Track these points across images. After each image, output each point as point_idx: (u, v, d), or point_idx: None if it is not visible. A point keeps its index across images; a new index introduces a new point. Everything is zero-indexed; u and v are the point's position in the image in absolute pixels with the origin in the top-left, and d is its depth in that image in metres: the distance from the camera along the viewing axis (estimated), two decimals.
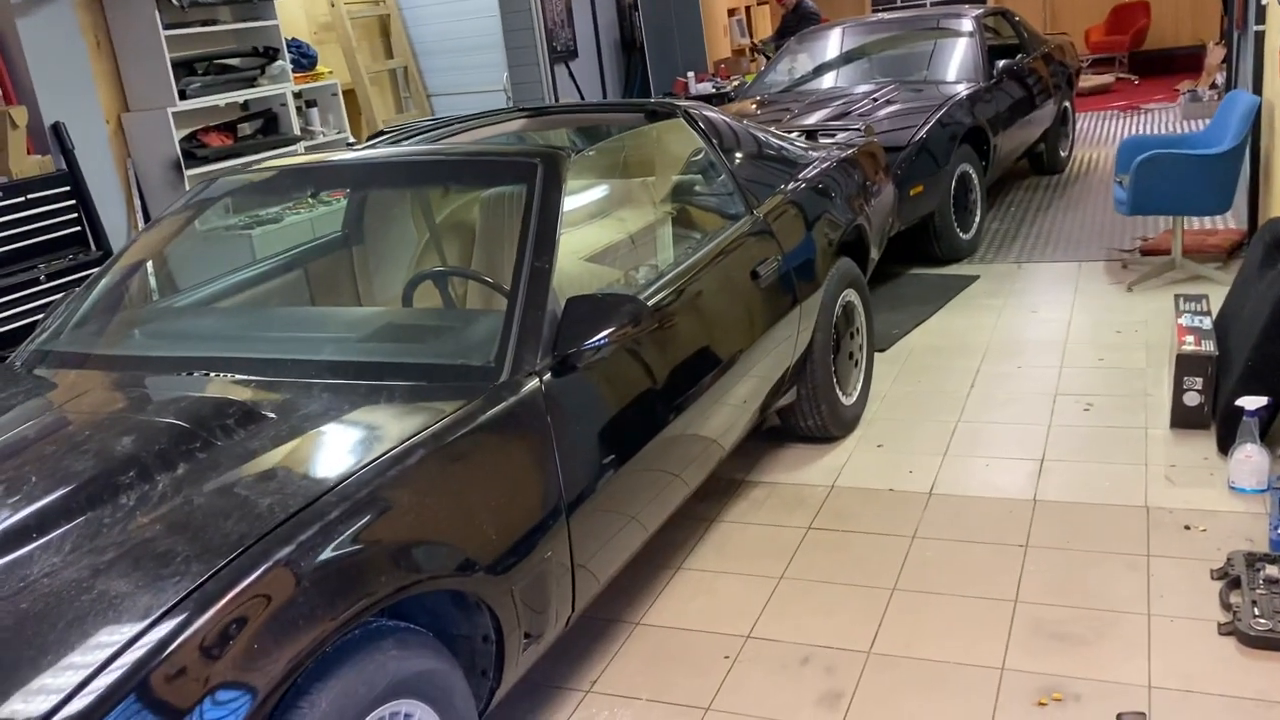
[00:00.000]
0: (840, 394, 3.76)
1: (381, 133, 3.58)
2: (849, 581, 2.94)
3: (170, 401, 2.20)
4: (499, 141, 3.45)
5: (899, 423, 3.92)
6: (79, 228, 4.78)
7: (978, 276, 5.57)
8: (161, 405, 2.18)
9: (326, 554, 1.70)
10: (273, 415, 2.10)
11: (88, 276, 4.48)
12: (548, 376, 2.26)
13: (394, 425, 2.02)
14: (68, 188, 4.73)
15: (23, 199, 4.58)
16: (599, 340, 2.27)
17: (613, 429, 2.41)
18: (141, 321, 2.82)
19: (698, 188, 3.36)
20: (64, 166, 4.90)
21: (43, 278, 4.57)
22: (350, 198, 3.39)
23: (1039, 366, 4.29)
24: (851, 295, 3.83)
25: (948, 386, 4.21)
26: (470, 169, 2.72)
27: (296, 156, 3.07)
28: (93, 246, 4.92)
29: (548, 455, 2.18)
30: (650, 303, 2.66)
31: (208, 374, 2.35)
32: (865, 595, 2.86)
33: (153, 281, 3.08)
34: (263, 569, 1.63)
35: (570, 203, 2.58)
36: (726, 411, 2.97)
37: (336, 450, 1.95)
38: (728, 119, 3.58)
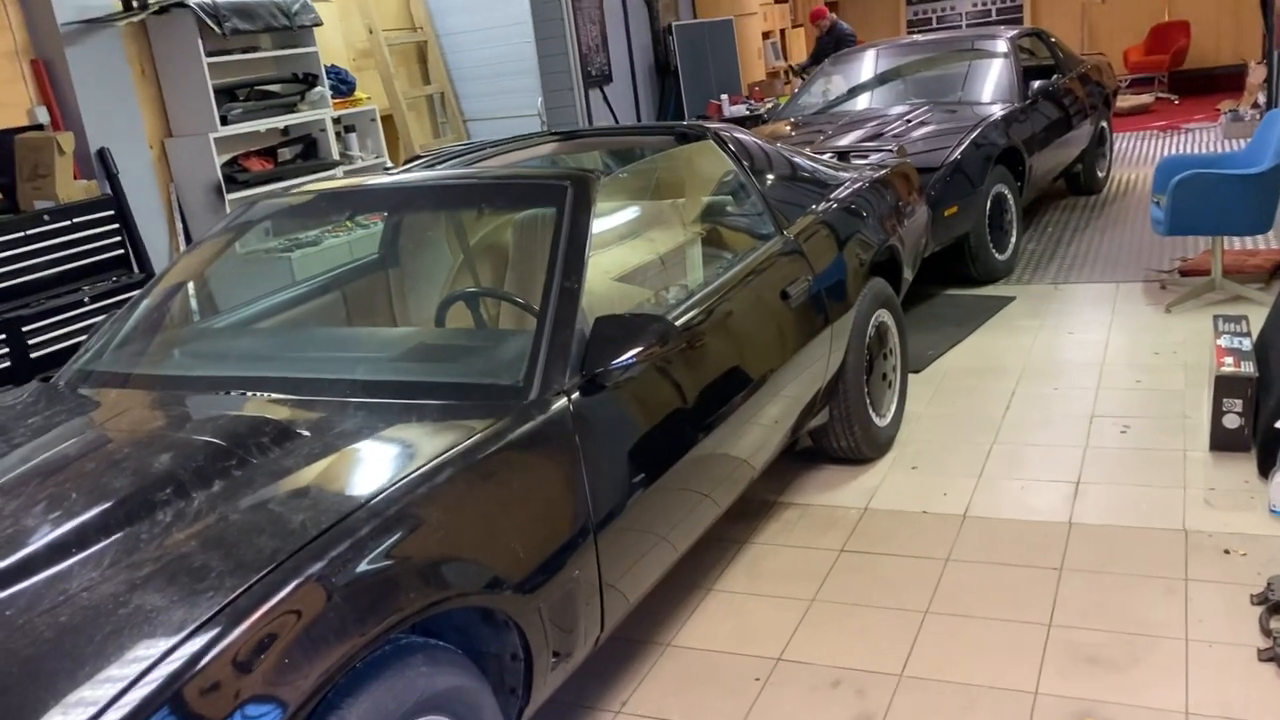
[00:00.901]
0: (874, 415, 3.75)
1: (417, 157, 3.64)
2: (881, 604, 2.92)
3: (207, 420, 2.24)
4: (530, 165, 3.49)
5: (934, 444, 3.90)
6: (122, 251, 4.89)
7: (1014, 297, 5.53)
8: (199, 424, 2.22)
9: (357, 570, 1.72)
10: (307, 433, 2.13)
11: (130, 299, 4.59)
12: (576, 395, 2.27)
13: (424, 443, 2.05)
14: (112, 212, 4.84)
15: (69, 223, 4.69)
16: (627, 360, 2.29)
17: (641, 448, 2.42)
18: (181, 342, 2.88)
19: (728, 209, 3.38)
20: (109, 191, 5.02)
21: (87, 300, 4.67)
22: (386, 221, 3.45)
23: (1076, 388, 4.25)
24: (884, 316, 3.82)
25: (983, 408, 4.18)
26: (501, 192, 2.76)
27: (334, 181, 3.13)
28: (135, 269, 5.03)
29: (576, 474, 2.20)
30: (679, 322, 2.67)
31: (245, 393, 2.39)
32: (898, 618, 2.84)
33: (193, 303, 3.14)
34: (294, 584, 1.65)
35: (601, 224, 2.61)
36: (757, 432, 2.97)
37: (368, 467, 1.98)
38: (758, 141, 3.60)
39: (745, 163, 3.37)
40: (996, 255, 5.82)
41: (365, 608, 1.70)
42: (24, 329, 4.37)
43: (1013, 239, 5.99)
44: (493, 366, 2.36)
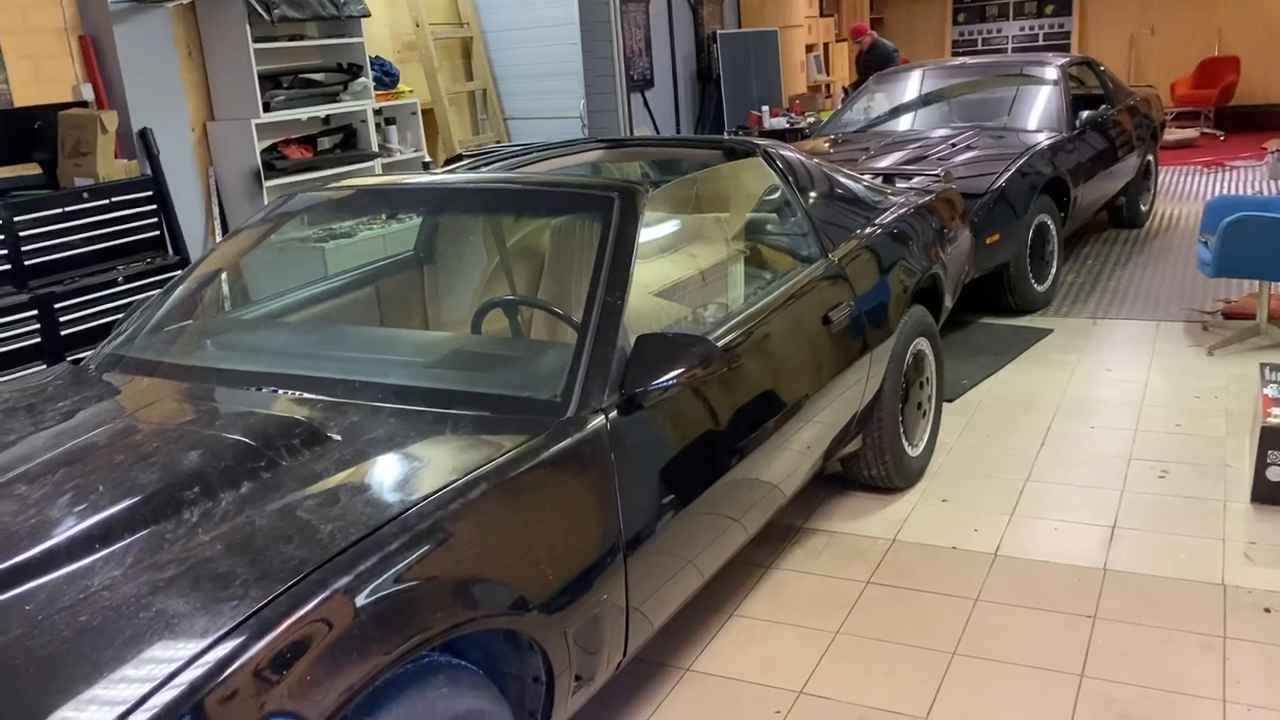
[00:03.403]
0: (906, 444, 3.68)
1: (460, 156, 3.60)
2: (907, 642, 2.85)
3: (238, 417, 2.20)
4: (576, 172, 3.44)
5: (965, 478, 3.83)
6: (158, 232, 4.87)
7: (1051, 330, 5.45)
8: (229, 421, 2.18)
9: (384, 586, 1.67)
10: (338, 437, 2.09)
11: (164, 281, 4.57)
12: (614, 414, 2.22)
13: (457, 456, 2.00)
14: (150, 192, 4.82)
15: (107, 201, 4.67)
16: (668, 380, 2.23)
17: (675, 470, 2.37)
18: (214, 332, 2.85)
19: (772, 228, 3.32)
20: (149, 172, 5.01)
21: (121, 279, 4.65)
22: (424, 219, 3.41)
23: (1113, 428, 4.17)
24: (923, 344, 3.76)
25: (1016, 443, 4.10)
26: (548, 199, 2.71)
27: (375, 177, 3.09)
28: (170, 251, 5.01)
29: (609, 495, 2.15)
30: (719, 344, 2.62)
31: (276, 390, 2.35)
32: (924, 657, 2.78)
33: (228, 292, 3.11)
34: (321, 598, 1.61)
35: (643, 235, 2.56)
36: (789, 457, 2.91)
37: (399, 479, 1.93)
38: (806, 160, 3.54)
39: (792, 182, 3.32)
40: (1035, 286, 5.73)
41: (391, 625, 1.65)
42: (56, 306, 4.36)
43: (1053, 270, 5.90)
44: (531, 379, 2.31)
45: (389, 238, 4.74)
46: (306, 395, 2.31)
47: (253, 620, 1.55)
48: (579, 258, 2.66)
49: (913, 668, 2.74)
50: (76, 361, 2.79)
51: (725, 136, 3.71)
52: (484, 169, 3.33)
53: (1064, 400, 4.50)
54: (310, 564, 1.66)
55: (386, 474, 1.95)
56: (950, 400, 4.55)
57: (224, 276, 3.05)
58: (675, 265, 3.16)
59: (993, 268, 5.42)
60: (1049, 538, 3.36)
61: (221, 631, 1.53)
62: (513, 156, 3.49)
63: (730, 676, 2.76)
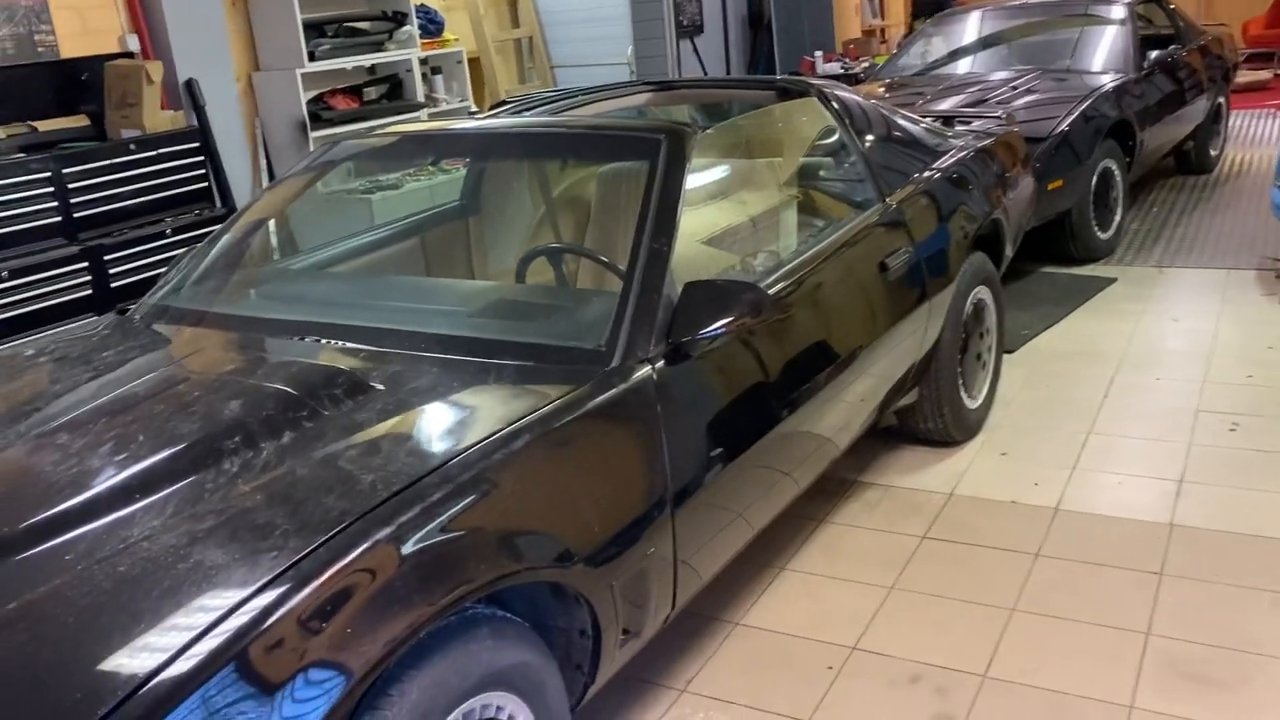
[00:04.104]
0: (965, 396, 3.57)
1: (504, 103, 3.52)
2: (965, 598, 2.78)
3: (280, 366, 2.16)
4: (622, 115, 3.35)
5: (1025, 430, 3.71)
6: (206, 184, 4.86)
7: (1115, 279, 5.27)
8: (271, 370, 2.14)
9: (427, 537, 1.63)
10: (380, 387, 2.04)
11: (210, 233, 4.57)
12: (660, 364, 2.15)
13: (500, 407, 1.94)
14: (197, 144, 4.81)
15: (154, 153, 4.66)
16: (716, 330, 2.16)
17: (724, 422, 2.30)
18: (259, 281, 2.82)
19: (827, 172, 3.21)
20: (195, 123, 4.99)
21: (169, 231, 4.65)
22: (469, 167, 3.34)
23: (1180, 380, 4.02)
24: (983, 293, 3.63)
25: (1079, 395, 3.97)
26: (592, 143, 2.63)
27: (419, 124, 3.03)
28: (218, 203, 5.00)
29: (655, 447, 2.08)
30: (771, 291, 2.53)
31: (319, 340, 2.31)
32: (982, 614, 2.70)
33: (273, 241, 3.08)
34: (362, 549, 1.57)
35: (691, 181, 2.47)
36: (844, 409, 2.83)
37: (442, 429, 1.89)
38: (864, 101, 3.41)
39: (848, 123, 3.20)
40: (1099, 233, 5.54)
41: (434, 577, 1.61)
42: (105, 258, 4.37)
43: (1117, 217, 5.70)
44: (575, 329, 2.25)
45: (435, 189, 4.70)
46: (350, 345, 2.27)
47: (292, 571, 1.52)
48: (625, 204, 2.58)
49: (971, 624, 2.66)
50: (123, 311, 2.78)
51: (779, 76, 3.58)
52: (528, 114, 3.24)
53: (1128, 351, 4.35)
54: (352, 514, 1.63)
55: (429, 424, 1.90)
56: (1010, 351, 4.42)
57: (268, 226, 3.02)
58: (725, 211, 3.06)
59: (1054, 215, 5.24)
60: (1112, 492, 3.25)
61: (262, 582, 1.50)
62: (557, 100, 3.40)
63: (781, 631, 2.70)
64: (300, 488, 1.72)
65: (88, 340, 2.49)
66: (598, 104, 3.38)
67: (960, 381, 3.52)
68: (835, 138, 3.18)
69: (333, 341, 2.29)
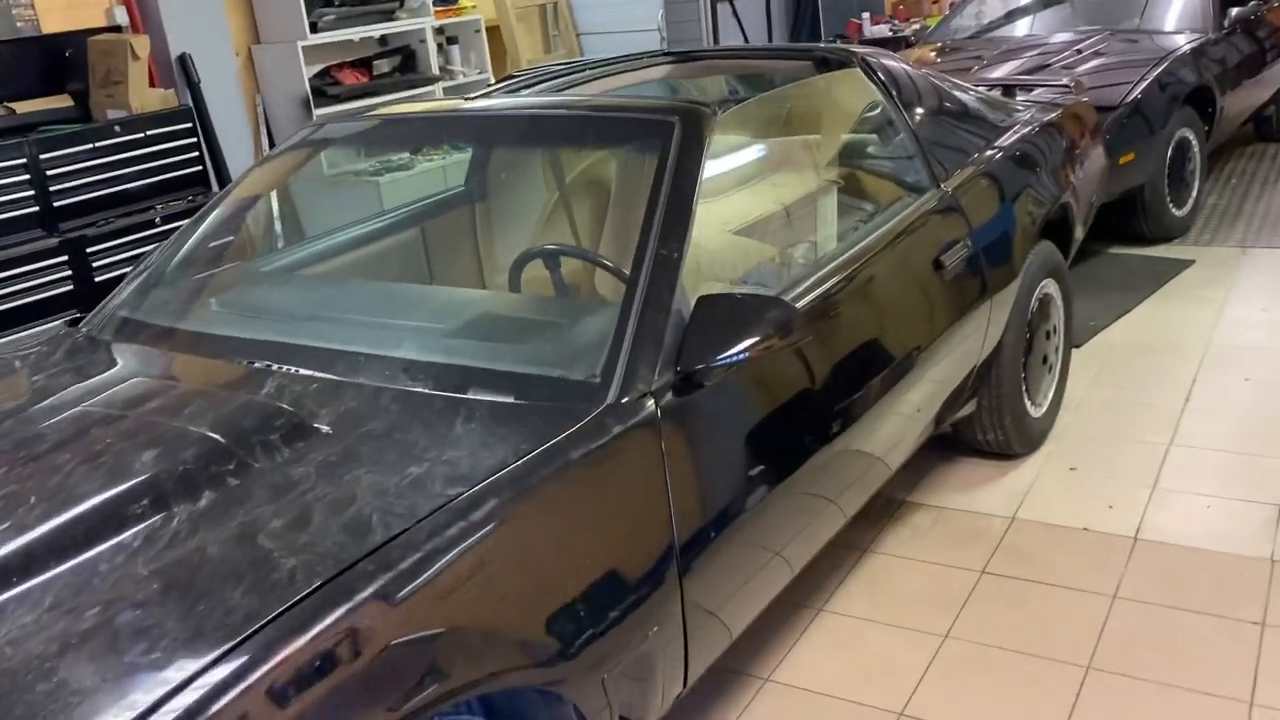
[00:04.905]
0: (1029, 403, 3.16)
1: (511, 76, 3.13)
2: (1031, 650, 2.39)
3: (213, 404, 1.82)
4: (636, 92, 2.96)
5: (1096, 440, 3.29)
6: (200, 167, 4.52)
7: (1192, 261, 4.79)
8: (202, 409, 1.80)
9: (351, 649, 1.28)
10: (327, 430, 1.70)
11: (180, 228, 4.24)
12: (667, 397, 1.78)
13: (467, 460, 1.59)
14: (190, 124, 4.46)
15: (142, 135, 4.33)
16: (734, 356, 1.78)
17: (748, 459, 1.93)
18: (224, 288, 2.47)
19: (873, 153, 2.80)
20: (189, 101, 4.64)
21: (159, 220, 4.33)
22: (473, 153, 2.95)
23: (1273, 382, 3.57)
24: (1050, 287, 3.21)
25: (1156, 397, 3.53)
26: (594, 126, 2.24)
27: (407, 105, 2.65)
28: (215, 188, 4.68)
29: (659, 501, 1.72)
30: (805, 294, 2.15)
31: (269, 365, 1.96)
32: (1053, 672, 2.31)
33: (250, 236, 2.74)
34: (265, 669, 1.22)
35: (716, 165, 2.09)
36: (893, 426, 2.45)
37: (389, 493, 1.53)
38: (913, 72, 2.99)
39: (897, 97, 2.78)
40: (1174, 210, 5.05)
41: (357, 702, 1.26)
42: (88, 250, 4.06)
43: (1194, 192, 5.20)
44: (564, 355, 1.88)
45: (450, 169, 4.33)
46: (303, 371, 1.92)
47: (175, 701, 1.18)
48: (635, 197, 2.20)
49: (1039, 684, 2.28)
50: (75, 322, 2.46)
51: (818, 44, 3.16)
52: (537, 89, 2.85)
53: (1211, 346, 3.90)
54: (259, 618, 1.28)
55: (374, 486, 1.55)
56: (1077, 346, 3.98)
57: (245, 219, 2.68)
58: (756, 199, 2.67)
59: (1126, 191, 4.76)
60: (1201, 517, 2.83)
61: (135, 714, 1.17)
62: (571, 74, 3.01)
63: (817, 691, 2.34)
64: (205, 575, 1.38)
65: (7, 364, 2.16)
66: (613, 78, 2.98)
67: (1024, 388, 3.11)
68: (881, 113, 2.76)
69: (285, 368, 1.95)
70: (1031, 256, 3.02)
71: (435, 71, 5.70)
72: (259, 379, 1.92)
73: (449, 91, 5.75)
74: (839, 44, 8.63)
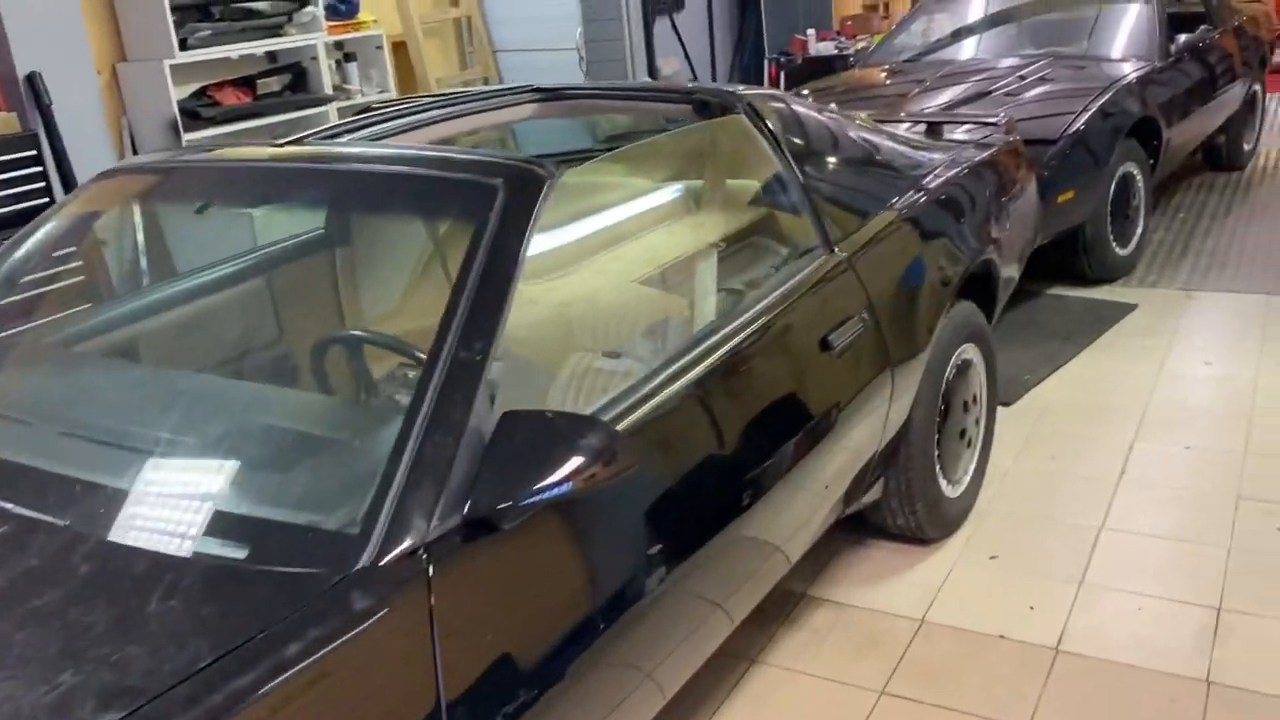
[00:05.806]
0: (944, 484, 2.83)
1: (366, 110, 2.75)
2: None
3: None
4: (477, 139, 2.58)
5: (1021, 521, 2.97)
6: (47, 199, 4.07)
7: (1135, 305, 4.49)
8: None
9: None
10: None
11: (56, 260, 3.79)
12: (445, 555, 1.41)
13: (143, 661, 1.20)
14: (33, 152, 4.00)
15: None
16: (543, 494, 1.42)
17: (566, 611, 1.56)
18: None
19: (754, 214, 2.44)
20: (36, 126, 4.17)
21: None
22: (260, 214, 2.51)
23: (1214, 449, 3.26)
24: (970, 351, 2.88)
25: (1089, 468, 3.22)
26: (401, 187, 1.86)
27: (195, 152, 2.24)
28: None
29: (425, 698, 1.34)
30: (658, 390, 1.80)
31: None
32: None
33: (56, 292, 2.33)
34: None
35: (558, 235, 1.73)
36: (779, 527, 2.10)
37: (45, 706, 1.15)
38: (814, 116, 2.64)
39: (788, 149, 2.42)
40: (1117, 250, 4.76)
41: None
42: None
43: (1138, 230, 4.92)
44: (325, 490, 1.50)
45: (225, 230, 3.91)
46: (4, 506, 1.53)
47: None
48: (441, 276, 1.83)
49: None
50: None
51: (699, 84, 2.81)
52: (370, 130, 2.46)
53: (1150, 406, 3.59)
54: None
55: (29, 693, 1.17)
56: (1007, 404, 3.66)
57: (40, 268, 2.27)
58: (610, 272, 2.30)
59: (1066, 230, 4.46)
60: (1131, 622, 2.51)
61: None
62: (423, 110, 2.63)
63: None
64: None
65: None
66: (467, 119, 2.60)
67: (938, 467, 2.77)
68: (769, 168, 2.40)
69: None
70: (945, 321, 2.69)
71: (328, 90, 5.28)
72: None
73: (343, 112, 5.34)
74: (784, 61, 8.33)
